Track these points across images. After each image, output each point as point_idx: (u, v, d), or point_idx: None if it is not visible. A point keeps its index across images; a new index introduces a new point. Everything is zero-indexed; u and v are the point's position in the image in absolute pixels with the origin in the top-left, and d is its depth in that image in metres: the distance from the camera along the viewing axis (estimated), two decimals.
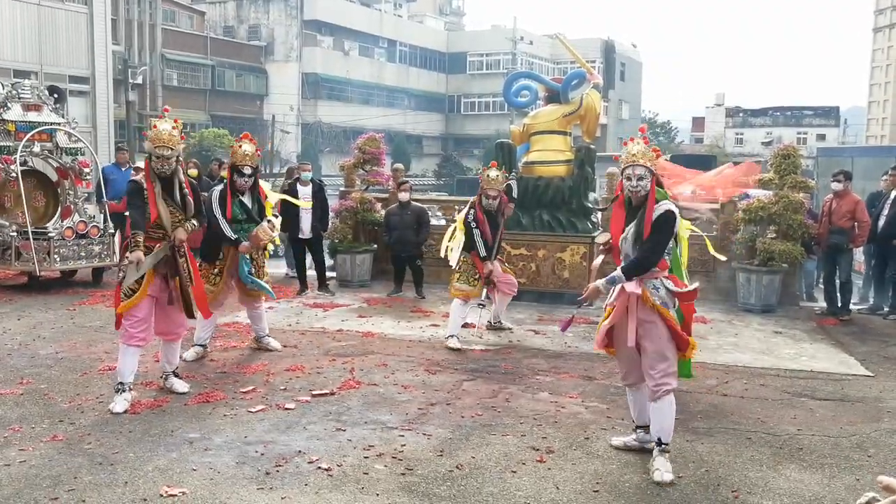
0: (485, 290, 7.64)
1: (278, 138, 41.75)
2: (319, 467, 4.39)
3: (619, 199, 4.60)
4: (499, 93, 17.77)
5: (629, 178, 4.40)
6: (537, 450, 4.73)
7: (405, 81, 52.12)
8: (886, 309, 9.46)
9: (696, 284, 4.60)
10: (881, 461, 4.71)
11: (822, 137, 63.52)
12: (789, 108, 72.29)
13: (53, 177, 10.83)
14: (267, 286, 6.86)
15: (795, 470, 4.53)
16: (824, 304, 9.74)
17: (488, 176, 7.49)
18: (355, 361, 6.69)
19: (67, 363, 6.46)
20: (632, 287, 4.36)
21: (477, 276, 7.54)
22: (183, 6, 42.85)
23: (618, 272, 4.41)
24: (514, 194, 9.27)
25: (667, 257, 4.47)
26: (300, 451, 4.61)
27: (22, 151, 9.90)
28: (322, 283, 10.32)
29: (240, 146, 6.59)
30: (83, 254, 10.06)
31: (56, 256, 9.76)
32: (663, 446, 4.40)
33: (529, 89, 10.86)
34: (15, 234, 9.75)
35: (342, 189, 11.58)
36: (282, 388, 5.88)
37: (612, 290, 4.54)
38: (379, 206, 11.19)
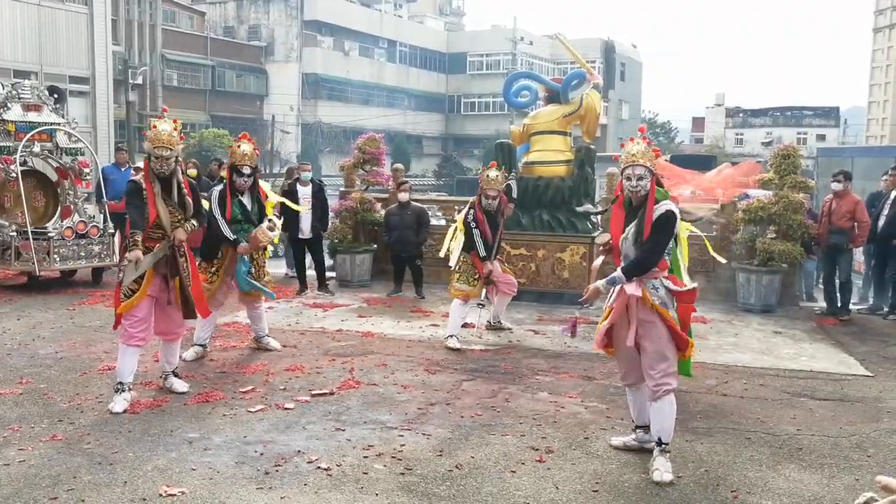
0: (484, 290, 7.65)
1: (278, 138, 41.75)
2: (319, 467, 4.39)
3: (619, 199, 4.60)
4: (499, 93, 17.76)
5: (629, 178, 4.40)
6: (537, 450, 4.73)
7: (405, 82, 52.12)
8: (886, 309, 9.46)
9: (694, 284, 4.60)
10: (881, 461, 4.70)
11: (822, 138, 63.51)
12: (789, 109, 72.28)
13: (53, 177, 10.84)
14: (265, 287, 6.84)
15: (795, 470, 4.53)
16: (824, 304, 9.74)
17: (488, 176, 7.49)
18: (355, 361, 6.68)
19: (67, 363, 6.46)
20: (631, 290, 4.36)
21: (476, 276, 7.54)
22: (183, 6, 42.85)
23: (618, 273, 4.41)
24: (514, 194, 9.27)
25: (667, 257, 4.47)
26: (299, 451, 4.61)
27: (22, 151, 9.91)
28: (322, 283, 10.32)
29: (238, 146, 6.59)
30: (83, 254, 10.06)
31: (56, 256, 9.76)
32: (663, 446, 4.40)
33: (529, 89, 10.87)
34: (15, 233, 9.75)
35: (342, 189, 11.58)
36: (281, 387, 5.88)
37: (612, 291, 4.54)
38: (379, 206, 11.19)
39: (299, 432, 4.94)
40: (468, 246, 7.53)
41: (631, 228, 4.43)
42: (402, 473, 4.34)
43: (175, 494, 3.99)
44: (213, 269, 6.66)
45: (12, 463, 4.35)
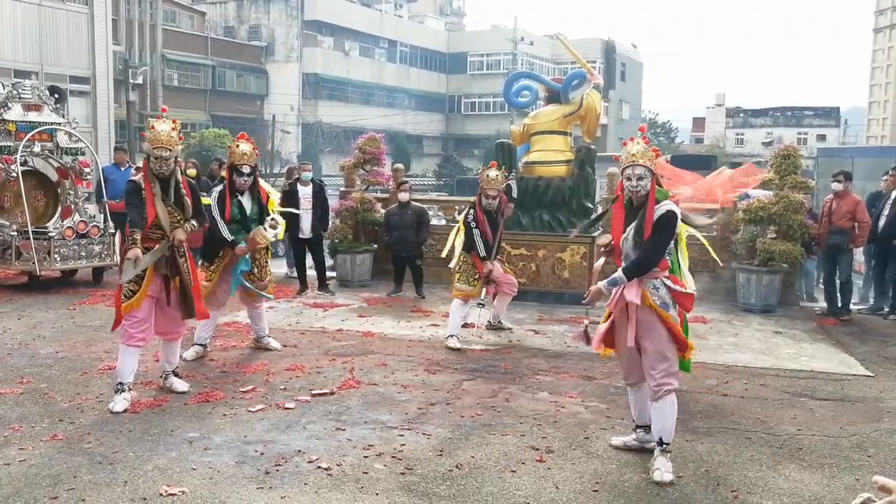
0: (483, 290, 7.65)
1: (279, 138, 41.76)
2: (319, 467, 4.39)
3: (619, 199, 4.60)
4: (499, 93, 17.78)
5: (629, 179, 4.40)
6: (537, 449, 4.73)
7: (405, 82, 52.14)
8: (886, 309, 9.46)
9: (693, 290, 4.59)
10: (881, 461, 4.70)
11: (822, 138, 63.50)
12: (790, 109, 72.26)
13: (54, 177, 10.84)
14: (255, 288, 6.79)
15: (795, 470, 4.53)
16: (824, 305, 9.74)
17: (488, 176, 7.50)
18: (355, 361, 6.69)
19: (67, 362, 6.46)
20: (630, 296, 4.35)
21: (477, 276, 7.54)
22: (183, 6, 42.87)
23: (619, 273, 4.41)
24: (514, 194, 9.28)
25: (667, 257, 4.47)
26: (300, 451, 4.61)
27: (22, 151, 9.91)
28: (322, 282, 10.32)
29: (237, 146, 6.58)
30: (83, 253, 10.06)
31: (56, 256, 9.76)
32: (664, 446, 4.40)
33: (530, 89, 10.87)
34: (15, 233, 9.75)
35: (342, 189, 11.58)
36: (281, 387, 5.88)
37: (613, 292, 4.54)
38: (379, 206, 11.19)
39: (299, 432, 4.94)
40: (468, 246, 7.53)
41: (631, 229, 4.43)
42: (403, 473, 4.34)
43: (175, 494, 3.99)
44: (213, 267, 6.66)
45: (13, 462, 4.35)
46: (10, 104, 10.06)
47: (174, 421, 5.08)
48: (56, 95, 10.86)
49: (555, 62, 51.77)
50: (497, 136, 32.20)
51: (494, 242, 7.61)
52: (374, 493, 4.08)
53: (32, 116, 10.18)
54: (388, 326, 8.21)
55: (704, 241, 6.21)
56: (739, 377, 6.50)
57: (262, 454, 4.55)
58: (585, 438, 4.96)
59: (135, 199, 5.41)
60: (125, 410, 5.22)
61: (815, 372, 6.75)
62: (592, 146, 10.34)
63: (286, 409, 5.37)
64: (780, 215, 9.41)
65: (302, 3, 44.81)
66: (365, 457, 4.56)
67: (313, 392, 5.74)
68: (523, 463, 4.53)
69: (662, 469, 4.31)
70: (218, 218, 6.49)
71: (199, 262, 6.73)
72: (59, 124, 10.44)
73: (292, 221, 9.76)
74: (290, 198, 9.78)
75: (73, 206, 10.44)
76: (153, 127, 5.40)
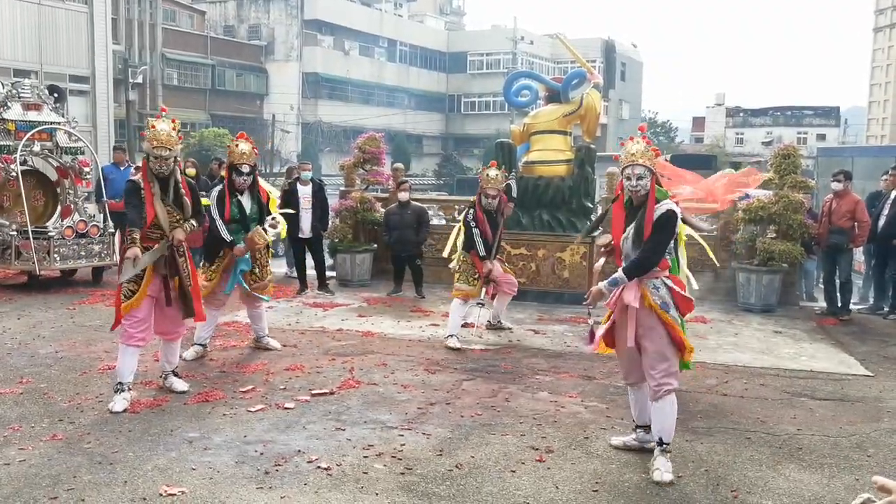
0: (483, 290, 7.65)
1: (278, 138, 41.75)
2: (319, 467, 4.39)
3: (619, 199, 4.60)
4: (499, 92, 17.77)
5: (629, 178, 4.40)
6: (537, 449, 4.73)
7: (405, 81, 52.12)
8: (886, 309, 9.46)
9: (693, 288, 4.59)
10: (881, 461, 4.70)
11: (822, 137, 63.49)
12: (789, 108, 72.26)
13: (53, 176, 10.83)
14: (263, 291, 6.80)
15: (795, 470, 4.53)
16: (824, 304, 9.74)
17: (488, 175, 7.50)
18: (355, 361, 6.68)
19: (67, 362, 6.46)
20: (629, 299, 4.34)
21: (476, 276, 7.54)
22: (183, 6, 42.84)
23: (619, 273, 4.40)
24: (514, 194, 9.27)
25: (667, 257, 4.47)
26: (300, 451, 4.61)
27: (22, 151, 9.90)
28: (322, 282, 10.31)
29: (236, 145, 6.57)
30: (83, 253, 10.06)
31: (56, 256, 9.76)
32: (664, 446, 4.40)
33: (530, 89, 10.87)
34: (15, 233, 9.75)
35: (342, 189, 11.57)
36: (281, 387, 5.88)
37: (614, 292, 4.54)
38: (379, 205, 11.19)
39: (299, 432, 4.94)
40: (468, 245, 7.53)
41: (631, 228, 4.43)
42: (402, 473, 4.34)
43: (175, 494, 3.99)
44: (213, 266, 6.66)
45: (12, 462, 4.35)
46: (9, 103, 10.06)
47: (174, 421, 5.08)
48: (55, 95, 10.85)
49: (555, 61, 51.76)
50: (497, 135, 32.19)
51: (494, 242, 7.61)
52: (373, 493, 4.08)
53: (32, 116, 10.18)
54: (387, 326, 8.21)
55: (704, 243, 6.21)
56: (739, 377, 6.50)
57: (261, 454, 4.55)
58: (585, 438, 4.96)
59: (134, 199, 5.40)
60: (125, 410, 5.22)
61: (815, 372, 6.75)
62: (592, 146, 10.34)
63: (286, 408, 5.37)
64: (780, 215, 9.41)
65: (302, 3, 44.79)
66: (365, 457, 4.56)
67: (313, 392, 5.74)
68: (523, 463, 4.53)
69: (662, 469, 4.31)
70: (217, 218, 6.48)
71: (200, 263, 6.73)
72: (59, 123, 10.43)
73: (292, 221, 9.76)
74: (289, 197, 9.78)
75: (72, 206, 10.44)
76: (153, 126, 5.40)
